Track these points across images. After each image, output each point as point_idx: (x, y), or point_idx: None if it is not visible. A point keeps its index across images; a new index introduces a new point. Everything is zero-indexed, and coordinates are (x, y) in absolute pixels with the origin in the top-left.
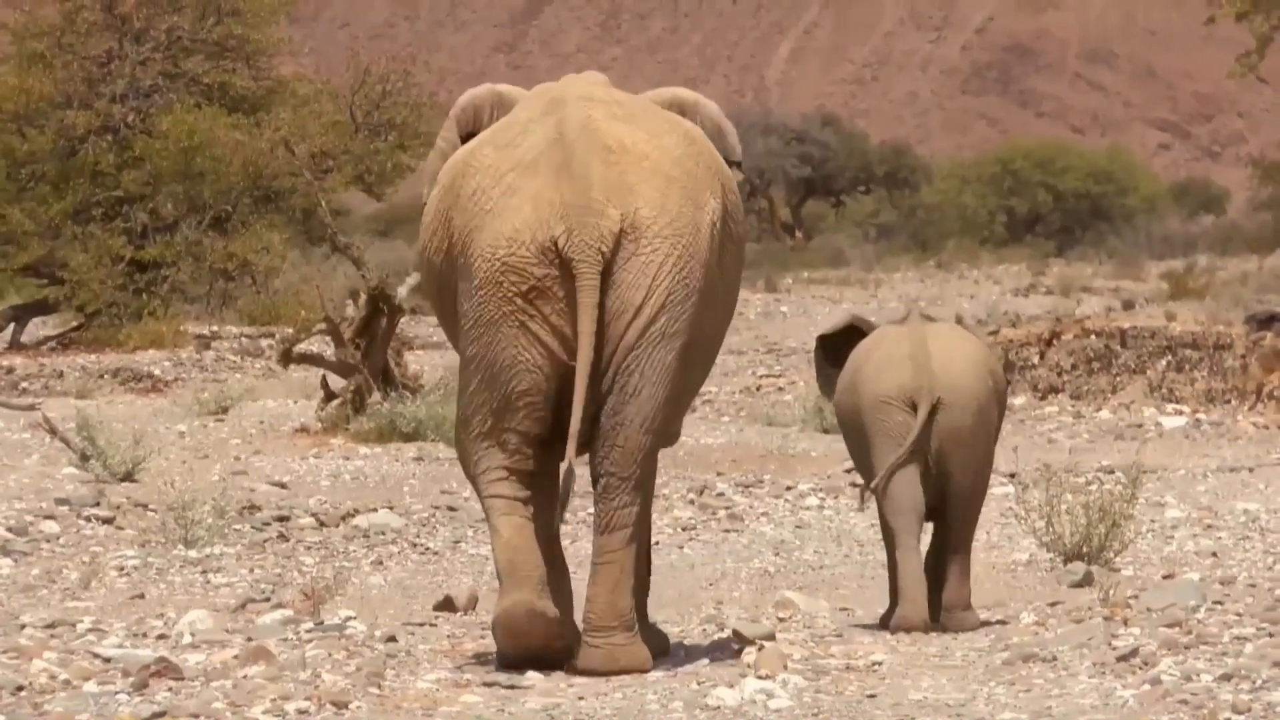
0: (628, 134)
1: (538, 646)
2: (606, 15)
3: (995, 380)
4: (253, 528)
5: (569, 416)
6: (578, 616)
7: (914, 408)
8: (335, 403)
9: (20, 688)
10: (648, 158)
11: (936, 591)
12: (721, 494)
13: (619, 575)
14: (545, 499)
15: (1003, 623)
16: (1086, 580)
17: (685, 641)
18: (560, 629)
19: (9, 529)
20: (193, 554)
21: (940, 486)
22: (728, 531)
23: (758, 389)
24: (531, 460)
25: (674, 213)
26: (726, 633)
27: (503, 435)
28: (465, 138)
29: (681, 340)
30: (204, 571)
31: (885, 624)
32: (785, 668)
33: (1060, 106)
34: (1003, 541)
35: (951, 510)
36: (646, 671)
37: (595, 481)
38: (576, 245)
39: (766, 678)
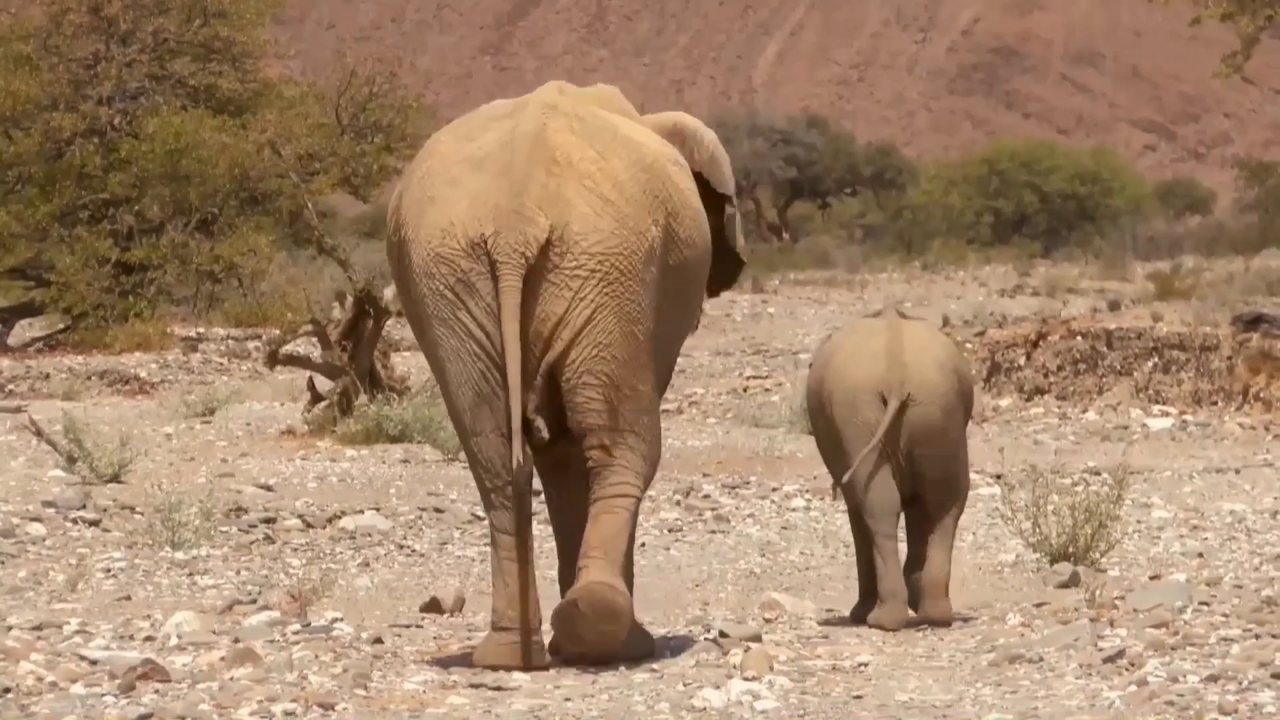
0: (576, 150)
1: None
2: (593, 17)
3: (962, 379)
4: (239, 530)
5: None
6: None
7: (884, 401)
8: (322, 405)
9: (7, 689)
10: (589, 177)
11: (913, 579)
12: (708, 495)
13: (622, 522)
14: (564, 481)
15: (989, 623)
16: (1073, 581)
17: (671, 643)
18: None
19: None
20: (179, 556)
21: (913, 479)
22: (714, 533)
23: (744, 390)
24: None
25: (605, 233)
26: (713, 634)
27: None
28: None
29: (618, 351)
30: (190, 573)
31: (856, 618)
32: (771, 669)
33: (1046, 107)
34: (989, 542)
35: (928, 501)
36: (624, 622)
37: (589, 474)
38: (501, 247)
39: (753, 679)
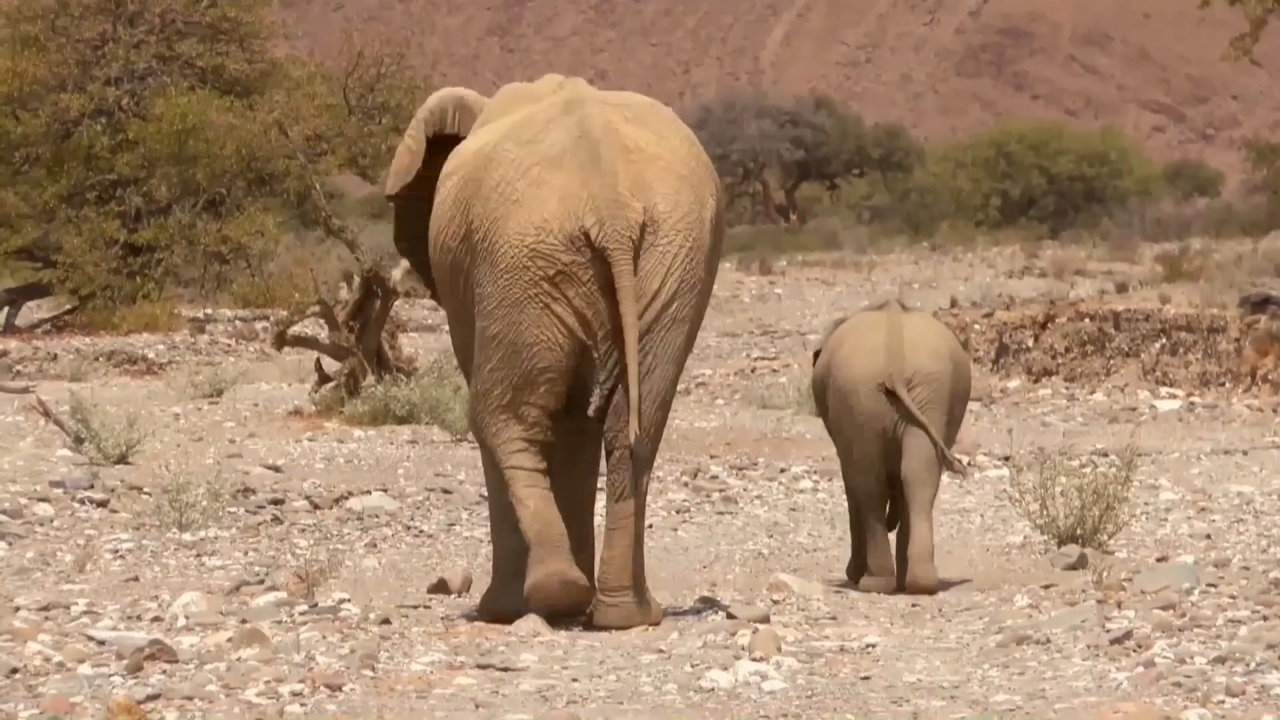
0: (641, 136)
1: (569, 610)
2: None
3: (958, 366)
4: (247, 511)
5: (584, 391)
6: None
7: (885, 391)
8: (329, 386)
9: (15, 670)
10: (660, 158)
11: (902, 550)
12: (715, 477)
13: (632, 540)
14: (567, 465)
15: (997, 604)
16: (1080, 563)
17: (679, 624)
18: (589, 594)
19: (3, 512)
20: (187, 537)
21: (902, 459)
22: (721, 514)
23: (752, 371)
24: (548, 432)
25: (685, 208)
26: (720, 615)
27: (522, 409)
28: (432, 138)
29: (689, 325)
30: (198, 554)
31: (851, 578)
32: (779, 650)
33: (1054, 89)
34: (997, 524)
35: (915, 479)
36: (658, 624)
37: (609, 453)
38: (610, 235)
39: (760, 660)
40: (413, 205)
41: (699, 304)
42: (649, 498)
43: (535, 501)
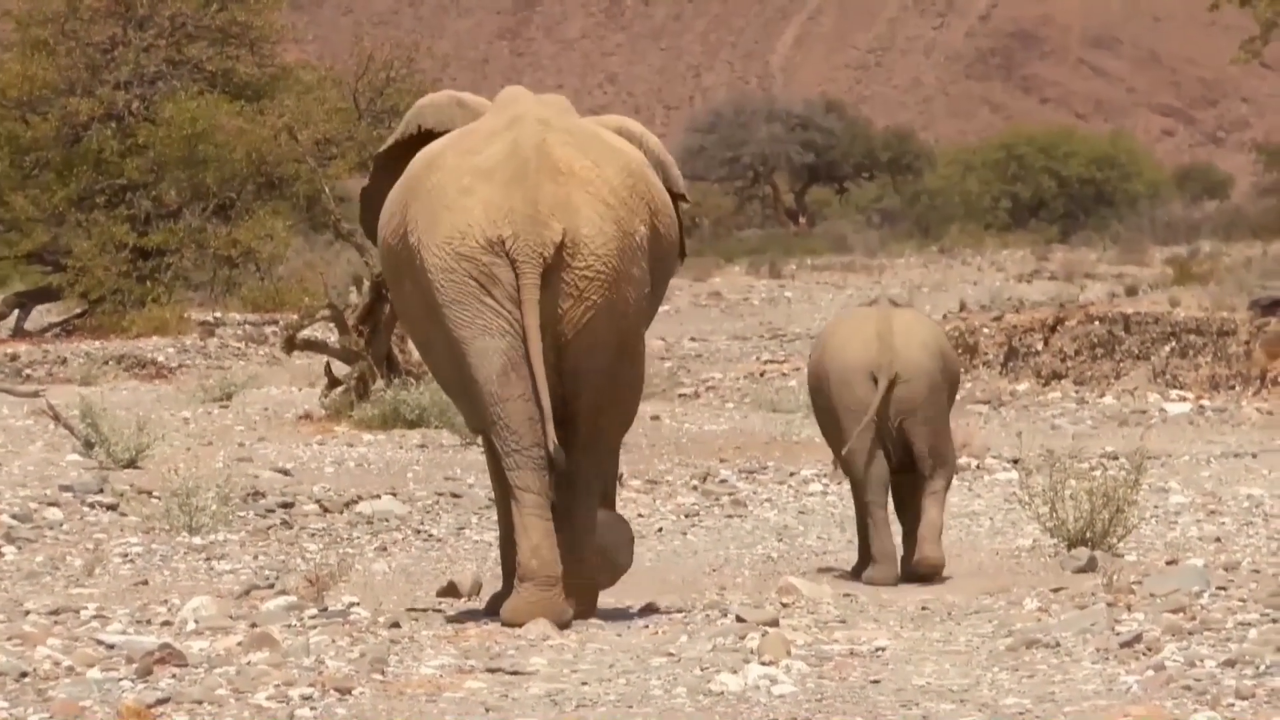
0: (576, 160)
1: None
2: (610, 2)
3: (947, 360)
4: (256, 514)
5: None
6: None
7: (875, 380)
8: (339, 389)
9: (24, 674)
10: (590, 184)
11: (908, 541)
12: (725, 480)
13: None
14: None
15: (1006, 608)
16: (1090, 566)
17: (688, 627)
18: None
19: (13, 516)
20: (197, 541)
21: (903, 451)
22: (731, 517)
23: (762, 375)
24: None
25: (609, 235)
26: (729, 619)
27: (510, 413)
28: (418, 131)
29: (613, 345)
30: (208, 558)
31: (855, 574)
32: (789, 653)
33: (1064, 92)
34: (1006, 527)
35: (920, 469)
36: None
37: (567, 451)
38: (521, 249)
39: (770, 663)
40: None
41: (621, 324)
42: (658, 501)
43: (538, 536)
